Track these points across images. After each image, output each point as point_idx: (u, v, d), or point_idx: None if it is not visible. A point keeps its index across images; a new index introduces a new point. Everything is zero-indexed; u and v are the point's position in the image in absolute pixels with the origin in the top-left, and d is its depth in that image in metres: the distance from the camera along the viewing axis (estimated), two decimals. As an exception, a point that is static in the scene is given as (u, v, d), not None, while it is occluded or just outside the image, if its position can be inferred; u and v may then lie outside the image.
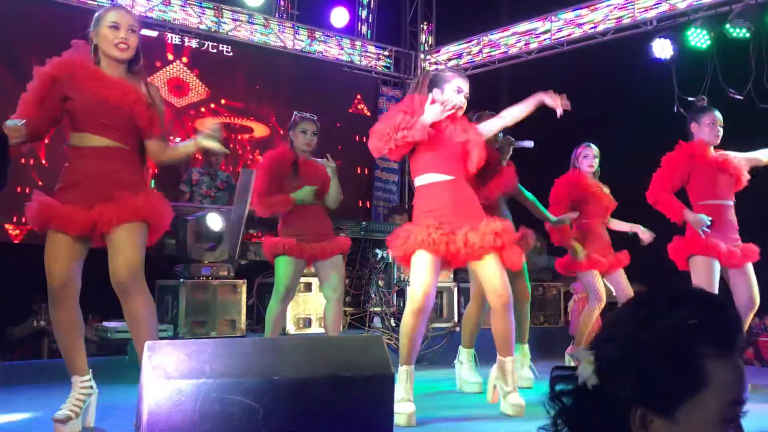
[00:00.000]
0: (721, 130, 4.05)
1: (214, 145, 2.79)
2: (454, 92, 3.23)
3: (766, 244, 4.10)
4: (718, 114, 4.07)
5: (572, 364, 1.03)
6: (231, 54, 7.71)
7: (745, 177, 4.07)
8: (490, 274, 3.14)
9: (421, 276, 3.08)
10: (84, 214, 2.65)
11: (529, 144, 4.18)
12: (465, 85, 3.26)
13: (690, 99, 5.67)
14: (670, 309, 0.97)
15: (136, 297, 2.66)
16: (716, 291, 3.89)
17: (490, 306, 3.23)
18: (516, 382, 3.28)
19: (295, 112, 4.21)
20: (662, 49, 6.50)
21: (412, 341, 3.11)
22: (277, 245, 3.99)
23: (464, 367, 4.06)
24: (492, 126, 3.31)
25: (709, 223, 3.90)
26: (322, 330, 5.19)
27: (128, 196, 2.70)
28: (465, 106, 3.28)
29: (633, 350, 0.97)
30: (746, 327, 4.00)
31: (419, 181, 3.25)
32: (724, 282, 4.03)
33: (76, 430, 2.70)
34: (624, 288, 4.96)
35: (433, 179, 3.19)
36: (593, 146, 4.99)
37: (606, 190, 5.02)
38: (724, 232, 3.96)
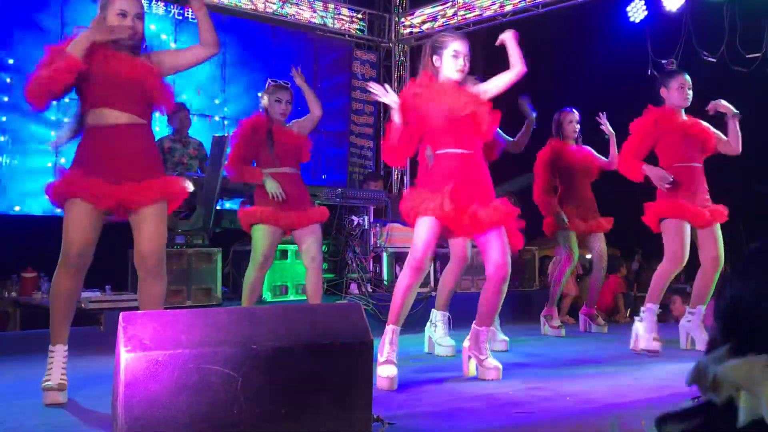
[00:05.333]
0: (690, 93, 4.07)
1: None
2: (452, 57, 3.19)
3: (732, 206, 4.15)
4: (686, 77, 4.09)
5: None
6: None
7: (714, 141, 4.09)
8: (494, 247, 3.12)
9: (423, 236, 3.09)
10: (111, 189, 2.70)
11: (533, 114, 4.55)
12: (462, 47, 3.22)
13: (663, 62, 5.69)
14: None
15: (159, 280, 2.80)
16: (687, 252, 3.97)
17: (486, 276, 3.20)
18: (489, 349, 3.31)
19: (268, 80, 4.13)
20: (637, 11, 6.49)
21: (403, 300, 3.09)
22: (252, 214, 3.96)
23: (438, 330, 4.06)
24: (492, 87, 3.24)
25: (671, 179, 3.94)
26: (298, 297, 5.19)
27: (154, 175, 2.80)
28: (467, 68, 3.24)
29: None
30: (713, 287, 4.10)
31: (438, 151, 3.23)
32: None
33: (65, 400, 2.70)
34: (599, 252, 5.05)
35: (451, 150, 3.19)
36: (576, 111, 5.03)
37: (591, 151, 5.09)
38: (694, 194, 4.01)
